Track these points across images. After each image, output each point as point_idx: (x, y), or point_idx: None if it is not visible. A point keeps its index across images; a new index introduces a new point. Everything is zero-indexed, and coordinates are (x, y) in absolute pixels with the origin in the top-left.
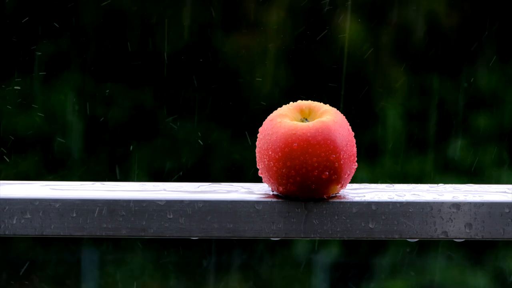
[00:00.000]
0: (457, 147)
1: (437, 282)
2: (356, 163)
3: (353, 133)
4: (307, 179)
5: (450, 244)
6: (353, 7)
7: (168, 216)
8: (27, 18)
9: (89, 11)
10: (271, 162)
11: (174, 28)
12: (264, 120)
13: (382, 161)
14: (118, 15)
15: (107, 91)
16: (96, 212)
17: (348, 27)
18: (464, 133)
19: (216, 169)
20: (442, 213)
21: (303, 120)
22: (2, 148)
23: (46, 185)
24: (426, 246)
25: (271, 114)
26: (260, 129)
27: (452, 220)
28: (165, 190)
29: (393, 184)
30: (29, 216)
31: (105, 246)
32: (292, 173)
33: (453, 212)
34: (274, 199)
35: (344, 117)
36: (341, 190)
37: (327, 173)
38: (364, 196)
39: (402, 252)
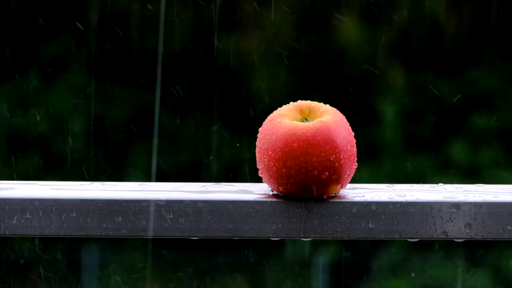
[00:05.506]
0: (457, 147)
1: (436, 282)
2: (356, 163)
3: (353, 133)
4: (307, 179)
5: (450, 244)
6: (353, 7)
7: (168, 216)
8: (28, 17)
9: (89, 11)
10: (271, 162)
11: (175, 28)
12: (264, 120)
13: (382, 161)
14: (118, 14)
15: (107, 90)
16: (96, 212)
17: (348, 27)
18: (464, 133)
19: (216, 169)
20: (442, 213)
21: (303, 120)
22: (2, 148)
23: (46, 185)
24: (426, 246)
25: (271, 114)
26: (260, 129)
27: (452, 220)
28: (165, 190)
29: (393, 184)
30: (29, 216)
31: (105, 246)
32: (292, 173)
33: (453, 212)
34: (274, 199)
35: (344, 117)
36: (341, 190)
37: (327, 173)
38: (364, 196)
39: (402, 252)
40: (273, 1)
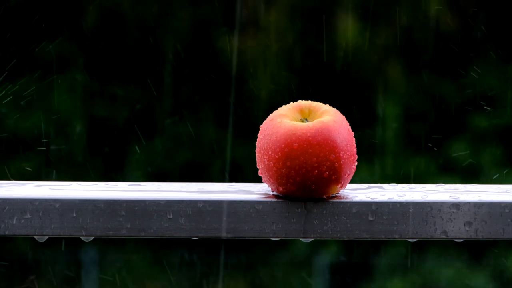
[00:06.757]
0: (457, 147)
1: (437, 282)
2: (356, 163)
3: (353, 133)
4: (307, 179)
5: (450, 244)
6: (353, 7)
7: (168, 216)
8: (29, 18)
9: (90, 11)
10: (271, 162)
11: (175, 28)
12: (264, 120)
13: (382, 161)
14: (119, 15)
15: (108, 90)
16: (96, 212)
17: (348, 27)
18: (464, 133)
19: (216, 169)
20: (442, 213)
21: (303, 120)
22: (2, 148)
23: (45, 185)
24: (426, 246)
25: (271, 114)
26: (260, 129)
27: (452, 220)
28: (165, 190)
29: (393, 184)
30: (29, 216)
31: (105, 246)
32: (292, 173)
33: (453, 212)
34: (274, 199)
35: (344, 117)
36: (341, 190)
37: (327, 173)
38: (364, 196)
39: (402, 252)
40: (274, 1)
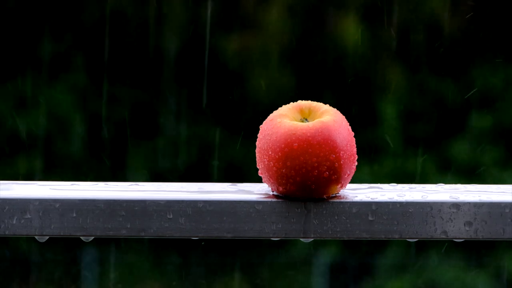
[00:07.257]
0: (457, 147)
1: (437, 282)
2: (356, 163)
3: (353, 133)
4: (307, 179)
5: (450, 244)
6: (353, 7)
7: (168, 216)
8: (29, 18)
9: (89, 11)
10: (271, 162)
11: (174, 28)
12: (264, 120)
13: (382, 161)
14: (118, 15)
15: (108, 90)
16: (96, 212)
17: (348, 27)
18: (464, 133)
19: (215, 169)
20: (442, 213)
21: (303, 120)
22: (2, 148)
23: (46, 185)
24: (426, 246)
25: (271, 114)
26: (260, 129)
27: (452, 220)
28: (165, 190)
29: (393, 184)
30: (29, 216)
31: (105, 246)
32: (292, 173)
33: (453, 212)
34: (274, 199)
35: (344, 117)
36: (341, 190)
37: (327, 173)
38: (364, 196)
39: (402, 252)
40: (273, 0)
